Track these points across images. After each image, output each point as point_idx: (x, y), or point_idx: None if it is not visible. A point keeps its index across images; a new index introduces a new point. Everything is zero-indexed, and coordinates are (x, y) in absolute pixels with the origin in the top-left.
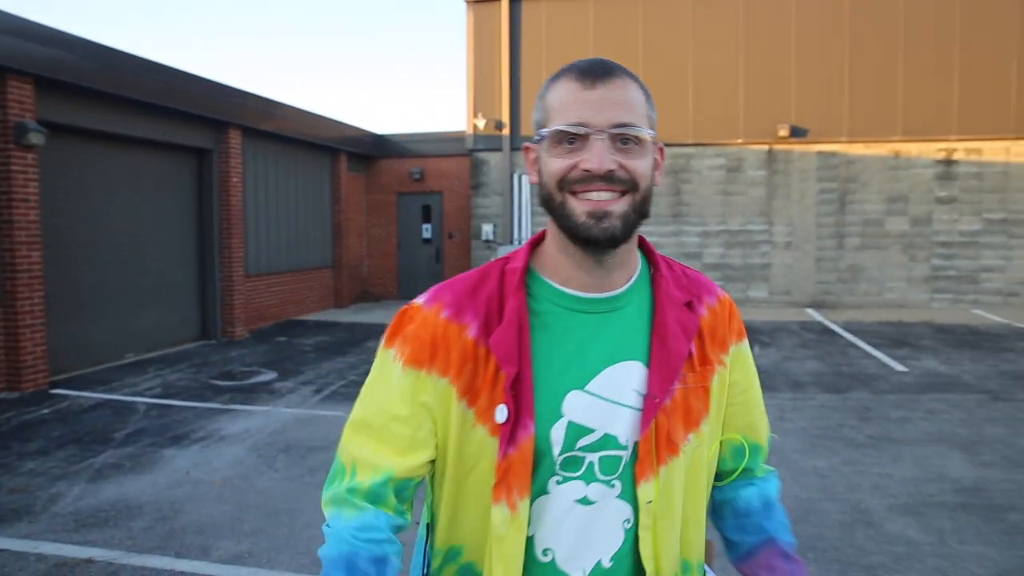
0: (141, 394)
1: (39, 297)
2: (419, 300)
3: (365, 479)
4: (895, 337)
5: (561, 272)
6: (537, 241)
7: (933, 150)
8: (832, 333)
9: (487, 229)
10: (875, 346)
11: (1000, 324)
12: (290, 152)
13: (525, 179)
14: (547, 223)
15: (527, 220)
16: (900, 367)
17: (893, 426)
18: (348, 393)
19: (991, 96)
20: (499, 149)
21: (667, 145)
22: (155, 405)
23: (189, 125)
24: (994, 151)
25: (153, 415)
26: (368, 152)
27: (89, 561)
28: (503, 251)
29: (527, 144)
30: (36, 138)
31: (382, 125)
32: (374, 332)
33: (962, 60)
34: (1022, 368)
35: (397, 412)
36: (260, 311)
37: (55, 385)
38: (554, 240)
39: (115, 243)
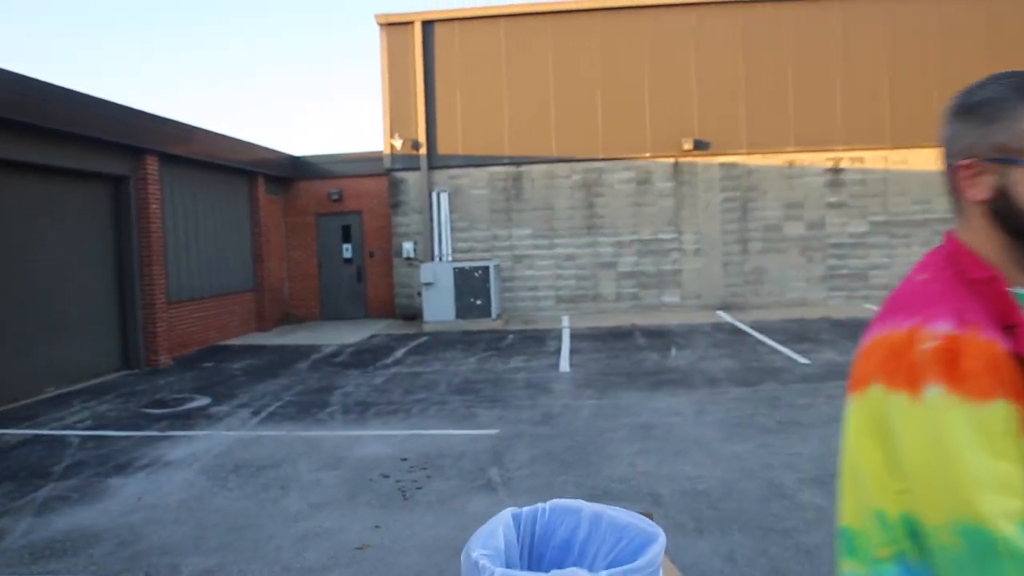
0: (71, 427)
1: None
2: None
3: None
4: (798, 333)
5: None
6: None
7: (823, 159)
8: (741, 332)
9: (408, 246)
10: (780, 342)
11: None
12: (207, 177)
13: (444, 196)
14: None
15: (447, 236)
16: (803, 360)
17: (800, 412)
18: (286, 413)
19: (870, 109)
20: (417, 168)
21: (578, 161)
22: (89, 437)
23: (105, 152)
24: (874, 159)
25: (89, 447)
26: (286, 174)
27: None
28: (424, 269)
29: (970, 162)
30: None
31: (299, 147)
32: (302, 353)
33: (843, 76)
34: None
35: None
36: (183, 338)
37: None
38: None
39: (31, 274)
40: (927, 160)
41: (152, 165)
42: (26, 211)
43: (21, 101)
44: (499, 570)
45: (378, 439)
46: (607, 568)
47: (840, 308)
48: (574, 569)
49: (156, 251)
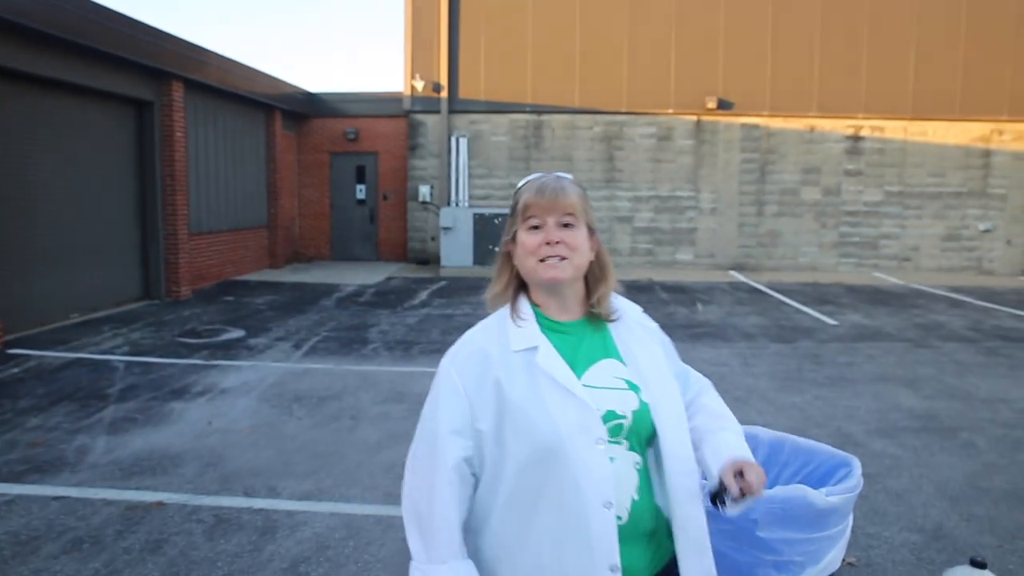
0: (111, 352)
1: None
2: None
3: None
4: (816, 296)
5: None
6: None
7: (843, 126)
8: (761, 292)
9: (424, 190)
10: (802, 303)
11: (899, 285)
12: (229, 108)
13: (464, 142)
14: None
15: (464, 182)
16: (831, 321)
17: (844, 369)
18: (328, 348)
19: (893, 79)
20: (437, 111)
21: (601, 113)
22: (134, 363)
23: (131, 75)
24: (894, 130)
25: (137, 372)
26: (302, 110)
27: (160, 504)
28: (444, 213)
29: None
30: None
31: (315, 84)
32: (323, 292)
33: (869, 45)
34: (930, 321)
35: None
36: (202, 271)
37: (8, 345)
38: None
39: (53, 197)
40: (946, 133)
41: (178, 91)
42: (46, 131)
43: (49, 11)
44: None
45: (432, 376)
46: (798, 483)
47: (850, 275)
48: (801, 486)
49: (180, 180)
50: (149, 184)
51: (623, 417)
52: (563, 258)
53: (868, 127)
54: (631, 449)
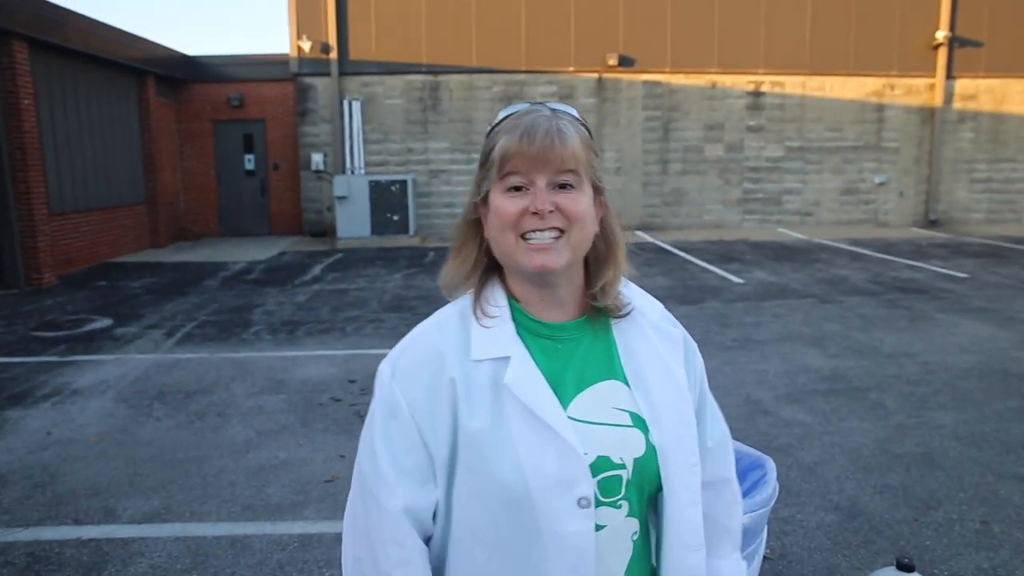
0: None
1: None
2: None
3: None
4: (722, 253)
5: None
6: None
7: (744, 82)
8: (667, 252)
9: (317, 158)
10: (708, 262)
11: (802, 240)
12: (91, 73)
13: (356, 105)
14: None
15: (359, 148)
16: (737, 279)
17: (751, 330)
18: (206, 334)
19: (791, 34)
20: (327, 74)
21: (499, 72)
22: None
23: None
24: (793, 85)
25: None
26: (179, 75)
27: None
28: (338, 182)
29: None
30: None
31: (194, 47)
32: (208, 271)
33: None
34: (833, 275)
35: None
36: (69, 254)
37: None
38: None
39: None
40: (842, 88)
41: (20, 53)
42: None
43: None
44: None
45: (317, 360)
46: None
47: (755, 231)
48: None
49: (32, 154)
50: None
51: (621, 467)
52: (558, 234)
53: (768, 83)
54: (631, 514)
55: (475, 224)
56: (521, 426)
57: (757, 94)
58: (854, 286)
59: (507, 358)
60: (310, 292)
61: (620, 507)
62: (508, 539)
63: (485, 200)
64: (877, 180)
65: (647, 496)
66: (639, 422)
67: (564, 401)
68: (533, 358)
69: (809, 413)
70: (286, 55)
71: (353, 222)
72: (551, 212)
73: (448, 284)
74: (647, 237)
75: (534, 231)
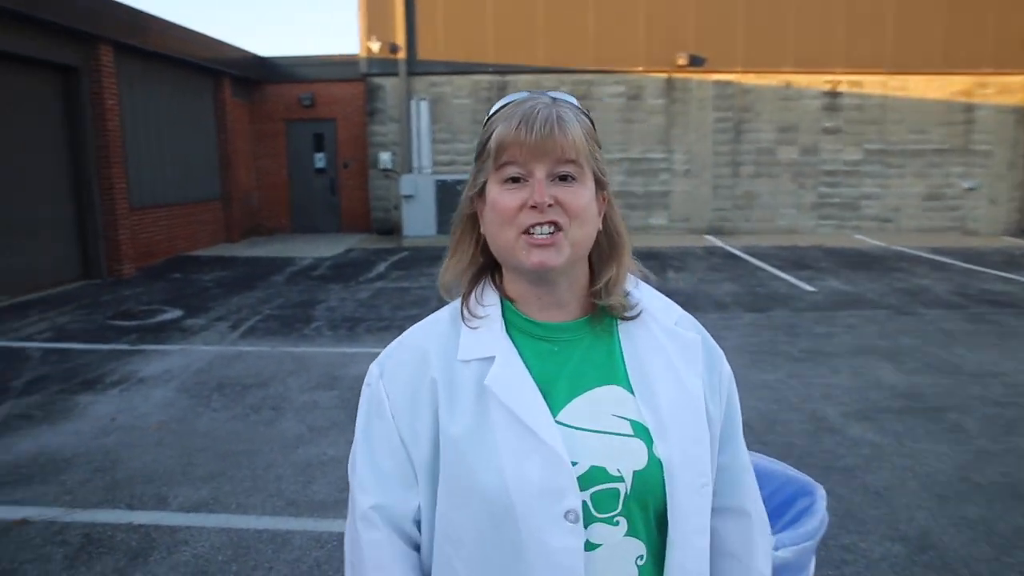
0: (30, 338)
1: None
2: None
3: None
4: (794, 260)
5: None
6: None
7: (820, 81)
8: (736, 257)
9: (385, 157)
10: (779, 268)
11: (880, 247)
12: (170, 74)
13: (424, 105)
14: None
15: (427, 148)
16: (808, 287)
17: (821, 340)
18: (268, 328)
19: (872, 32)
20: (395, 74)
21: (567, 71)
22: (52, 350)
23: (50, 38)
24: (873, 84)
25: (52, 360)
26: (253, 76)
27: (24, 522)
28: (404, 181)
29: None
30: None
31: (268, 48)
32: (277, 266)
33: None
34: (912, 285)
35: None
36: (149, 247)
37: None
38: None
39: None
40: (927, 87)
41: (107, 56)
42: None
43: None
44: None
45: (374, 357)
46: None
47: (830, 237)
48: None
49: (115, 151)
50: (81, 157)
51: (618, 480)
52: (557, 230)
53: (846, 82)
54: (632, 533)
55: (471, 219)
56: (505, 431)
57: (834, 94)
58: (936, 298)
59: (492, 358)
60: (373, 289)
61: (617, 524)
62: (490, 554)
63: (482, 193)
64: (966, 185)
65: (653, 516)
66: (642, 432)
67: (556, 406)
68: (524, 359)
69: (880, 433)
70: (356, 56)
71: (419, 221)
72: (550, 206)
73: (445, 284)
74: (716, 242)
75: (533, 228)
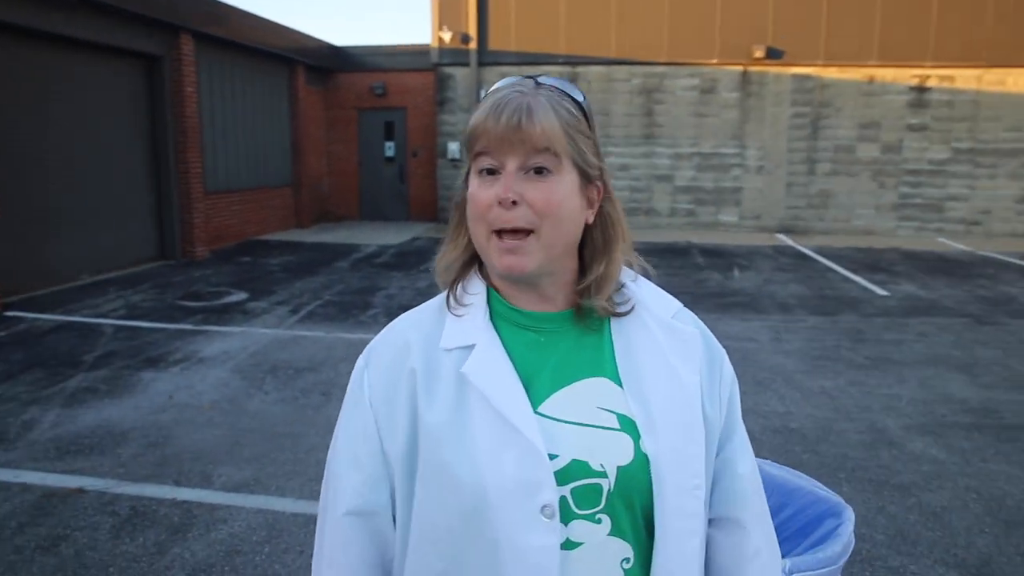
0: (105, 316)
1: None
2: None
3: None
4: (868, 262)
5: None
6: None
7: (907, 76)
8: (807, 258)
9: (453, 147)
10: (852, 271)
11: (965, 252)
12: (245, 62)
13: None
14: None
15: None
16: (881, 291)
17: (889, 348)
18: (326, 314)
19: (967, 23)
20: (466, 64)
21: (639, 64)
22: (123, 327)
23: (136, 28)
24: (966, 79)
25: (122, 337)
26: (326, 65)
27: (80, 491)
28: None
29: None
30: None
31: (341, 37)
32: (341, 252)
33: None
34: (997, 294)
35: None
36: (221, 230)
37: (8, 307)
38: None
39: (62, 156)
40: None
41: (187, 45)
42: (51, 88)
43: None
44: None
45: None
46: None
47: (910, 240)
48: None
49: (192, 137)
50: (161, 142)
51: (601, 475)
52: (526, 232)
53: (936, 77)
54: (617, 533)
55: (464, 208)
56: (482, 421)
57: (922, 89)
58: (1023, 308)
59: (472, 347)
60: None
61: (600, 522)
62: (466, 549)
63: (468, 183)
64: None
65: (640, 515)
66: (629, 426)
67: (538, 397)
68: (507, 348)
69: (944, 449)
70: (427, 46)
71: None
72: (517, 204)
73: (442, 274)
74: (787, 241)
75: (503, 228)
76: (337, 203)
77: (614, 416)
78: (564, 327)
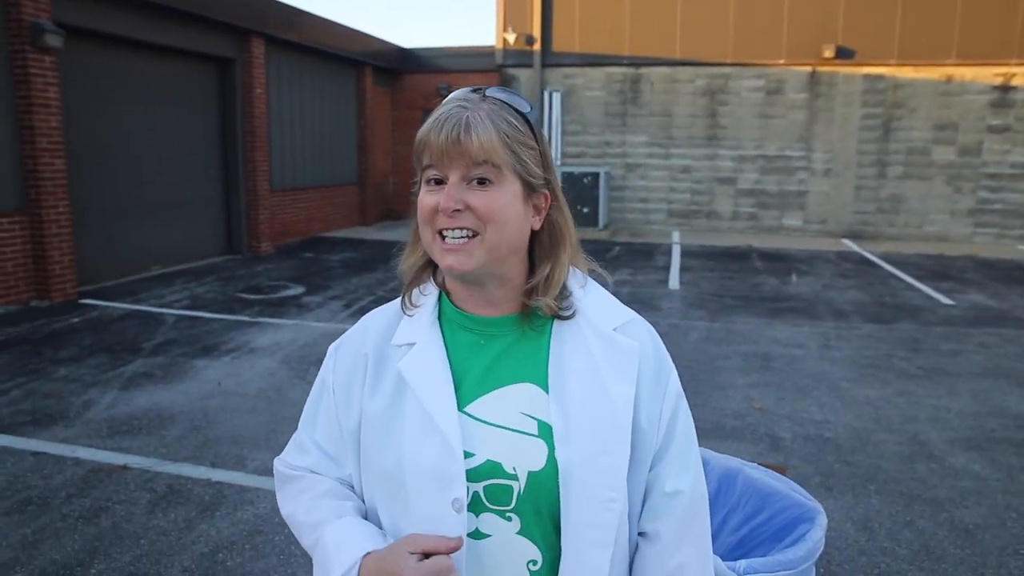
0: (169, 305)
1: (64, 206)
2: None
3: None
4: (937, 270)
5: None
6: None
7: (990, 75)
8: (871, 264)
9: None
10: (917, 278)
11: None
12: (314, 64)
13: (557, 97)
14: None
15: (558, 139)
16: (946, 300)
17: (945, 358)
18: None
19: None
20: (529, 65)
21: (703, 65)
22: (184, 316)
23: (211, 33)
24: None
25: (182, 326)
26: (393, 66)
27: (124, 468)
28: None
29: None
30: (53, 40)
31: (407, 39)
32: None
33: None
34: None
35: None
36: (286, 226)
37: (84, 295)
38: None
39: (138, 154)
40: None
41: (258, 48)
42: (130, 90)
43: None
44: None
45: None
46: (738, 541)
47: (987, 247)
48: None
49: (260, 137)
50: (231, 141)
51: (512, 477)
52: (470, 235)
53: (1021, 75)
54: (525, 534)
55: None
56: (411, 415)
57: (1005, 88)
58: None
59: (414, 344)
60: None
61: (510, 519)
62: (397, 532)
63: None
64: None
65: (550, 522)
66: (546, 433)
67: (466, 397)
68: (447, 348)
69: (988, 465)
70: (492, 47)
71: None
72: (461, 211)
73: (401, 274)
74: (853, 246)
75: (446, 231)
76: (401, 201)
77: (535, 422)
78: (505, 331)
